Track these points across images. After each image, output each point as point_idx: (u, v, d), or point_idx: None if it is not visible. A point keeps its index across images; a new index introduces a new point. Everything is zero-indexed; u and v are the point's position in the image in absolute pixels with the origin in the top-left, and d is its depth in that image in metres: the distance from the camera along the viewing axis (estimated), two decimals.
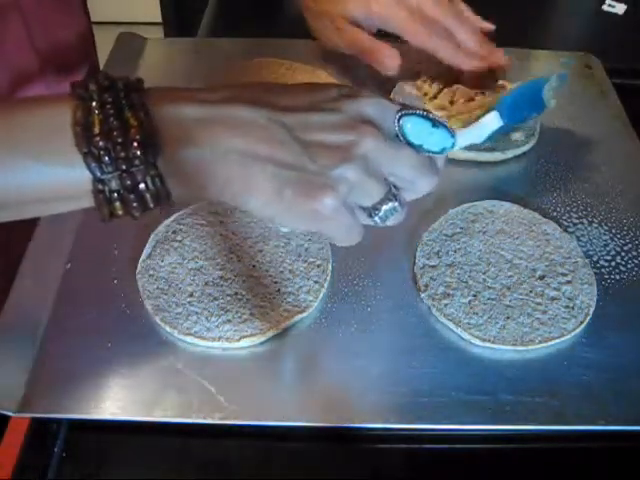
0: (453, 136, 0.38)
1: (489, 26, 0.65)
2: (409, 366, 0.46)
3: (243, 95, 0.37)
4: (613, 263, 0.53)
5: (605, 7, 0.91)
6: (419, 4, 0.61)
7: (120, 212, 0.35)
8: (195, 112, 0.35)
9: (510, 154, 0.62)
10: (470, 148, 0.61)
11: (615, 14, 0.90)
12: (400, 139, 0.38)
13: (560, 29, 0.91)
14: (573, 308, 0.49)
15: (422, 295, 0.50)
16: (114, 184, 0.34)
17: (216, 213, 0.55)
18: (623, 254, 0.54)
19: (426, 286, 0.51)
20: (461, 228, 0.55)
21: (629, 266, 0.53)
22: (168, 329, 0.48)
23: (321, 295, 0.50)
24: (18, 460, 0.42)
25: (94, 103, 0.34)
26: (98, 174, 0.33)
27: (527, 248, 0.53)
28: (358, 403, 0.45)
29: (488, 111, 0.48)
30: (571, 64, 0.74)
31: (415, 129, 0.37)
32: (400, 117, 0.37)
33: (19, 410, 0.43)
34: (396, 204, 0.38)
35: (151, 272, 0.51)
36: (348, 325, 0.49)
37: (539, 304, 0.49)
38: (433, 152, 0.38)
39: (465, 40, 0.62)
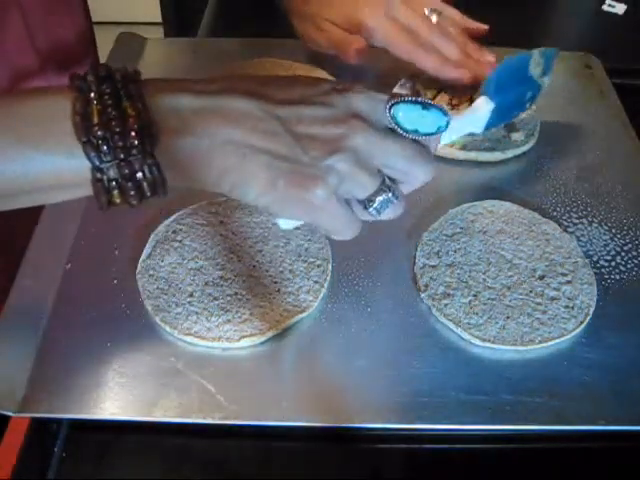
0: (446, 114, 0.38)
1: (482, 27, 0.65)
2: (409, 366, 0.46)
3: (239, 87, 0.37)
4: (613, 263, 0.53)
5: (605, 7, 0.91)
6: (407, 18, 0.62)
7: (118, 200, 0.35)
8: (192, 103, 0.36)
9: (510, 154, 0.62)
10: (470, 148, 0.61)
11: (615, 14, 0.91)
12: (395, 128, 0.38)
13: (560, 29, 0.91)
14: (573, 308, 0.49)
15: (422, 295, 0.50)
16: (112, 173, 0.34)
17: (216, 213, 0.55)
18: (623, 254, 0.54)
19: (426, 286, 0.51)
20: (461, 228, 0.55)
21: (629, 266, 0.53)
22: (168, 329, 0.48)
23: (321, 295, 0.50)
24: (18, 460, 0.42)
25: (92, 94, 0.34)
26: (97, 163, 0.34)
27: (527, 248, 0.53)
28: (358, 403, 0.45)
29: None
30: (571, 64, 0.74)
31: (407, 115, 0.38)
32: (390, 107, 0.38)
33: (19, 410, 0.43)
34: (390, 195, 0.39)
35: (151, 272, 0.51)
36: (348, 325, 0.49)
37: (539, 304, 0.49)
38: (430, 134, 0.38)
39: (451, 55, 0.62)
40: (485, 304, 0.49)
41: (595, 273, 0.52)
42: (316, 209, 0.37)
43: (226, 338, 0.47)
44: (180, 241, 0.53)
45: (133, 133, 0.34)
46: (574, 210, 0.58)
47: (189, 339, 0.47)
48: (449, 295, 0.50)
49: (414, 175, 0.39)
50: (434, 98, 0.64)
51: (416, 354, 0.47)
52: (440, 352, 0.47)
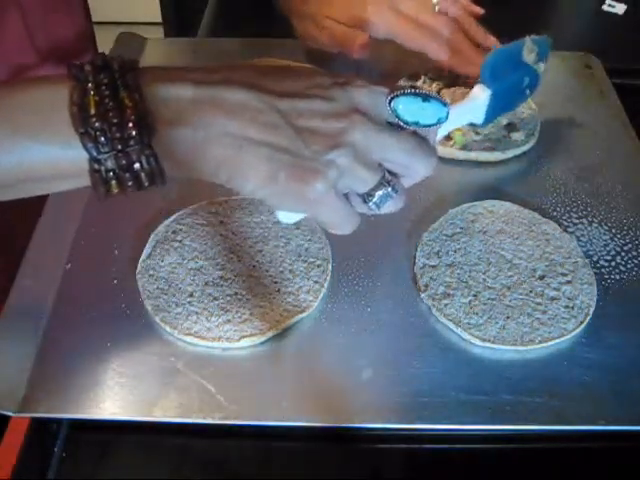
0: (445, 105, 0.38)
1: (478, 10, 0.65)
2: (409, 366, 0.46)
3: (239, 78, 0.37)
4: (613, 263, 0.53)
5: (605, 7, 0.91)
6: (411, 9, 0.62)
7: (116, 191, 0.35)
8: (190, 93, 0.36)
9: (510, 154, 0.62)
10: (470, 148, 0.61)
11: (615, 14, 0.91)
12: (395, 121, 0.38)
13: (560, 29, 0.91)
14: (573, 308, 0.49)
15: (422, 295, 0.50)
16: (110, 163, 0.34)
17: (216, 213, 0.55)
18: (623, 254, 0.54)
19: (426, 286, 0.51)
20: (461, 228, 0.55)
21: (629, 266, 0.53)
22: (168, 329, 0.48)
23: (321, 295, 0.50)
24: (18, 460, 0.42)
25: (90, 84, 0.34)
26: (94, 154, 0.34)
27: (527, 248, 0.53)
28: (358, 403, 0.45)
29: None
30: (571, 64, 0.74)
31: (407, 108, 0.38)
32: (391, 100, 0.38)
33: (19, 410, 0.43)
34: (389, 190, 0.39)
35: (151, 272, 0.51)
36: (348, 325, 0.49)
37: (539, 304, 0.49)
38: (430, 125, 0.38)
39: (461, 49, 0.62)
40: (485, 304, 0.49)
41: (595, 273, 0.52)
42: (315, 203, 0.37)
43: (226, 338, 0.47)
44: (180, 241, 0.53)
45: (131, 124, 0.34)
46: (574, 210, 0.58)
47: (189, 339, 0.47)
48: (449, 295, 0.50)
49: (415, 169, 0.39)
50: (438, 92, 0.64)
51: (416, 354, 0.47)
52: (440, 352, 0.47)
